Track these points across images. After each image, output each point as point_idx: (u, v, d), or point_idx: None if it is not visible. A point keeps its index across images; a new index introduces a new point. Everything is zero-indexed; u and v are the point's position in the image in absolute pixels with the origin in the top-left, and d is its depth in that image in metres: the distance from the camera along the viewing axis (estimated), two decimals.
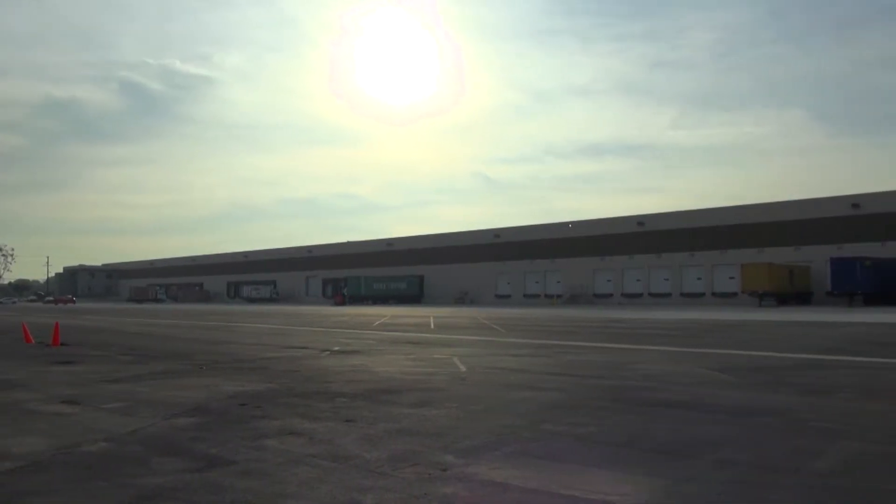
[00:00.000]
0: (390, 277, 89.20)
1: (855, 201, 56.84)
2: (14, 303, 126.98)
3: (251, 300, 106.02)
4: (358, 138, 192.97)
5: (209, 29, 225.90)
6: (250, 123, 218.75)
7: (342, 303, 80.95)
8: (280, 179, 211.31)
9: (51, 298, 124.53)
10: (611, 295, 71.71)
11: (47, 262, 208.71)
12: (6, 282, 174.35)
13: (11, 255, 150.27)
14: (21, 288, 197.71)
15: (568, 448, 6.68)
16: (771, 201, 62.26)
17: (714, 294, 63.78)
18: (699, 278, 65.77)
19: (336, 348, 18.57)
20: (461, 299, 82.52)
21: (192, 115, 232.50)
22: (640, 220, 70.20)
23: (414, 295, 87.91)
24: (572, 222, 77.05)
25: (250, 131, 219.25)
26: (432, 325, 31.11)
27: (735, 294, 58.86)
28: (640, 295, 69.48)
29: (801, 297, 54.88)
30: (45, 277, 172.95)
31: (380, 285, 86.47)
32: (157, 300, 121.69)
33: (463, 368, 13.40)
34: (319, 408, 8.88)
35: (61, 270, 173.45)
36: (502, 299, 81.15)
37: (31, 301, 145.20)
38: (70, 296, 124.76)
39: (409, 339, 22.16)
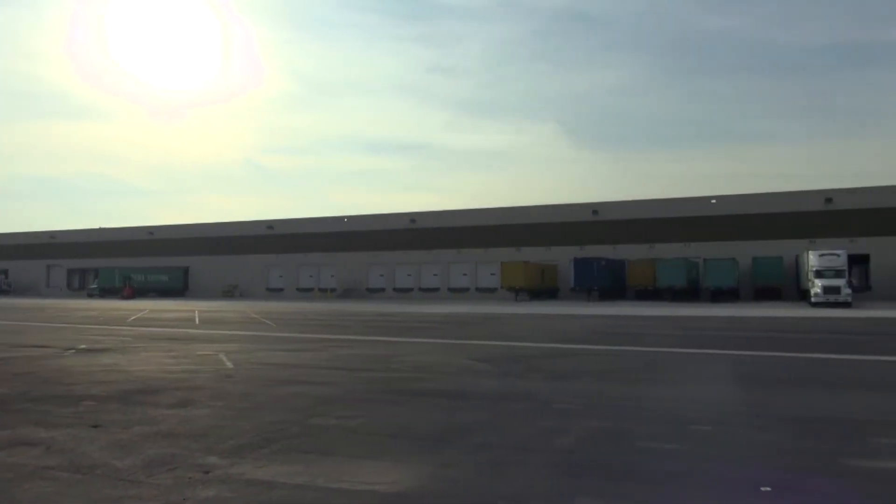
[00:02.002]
0: (151, 269, 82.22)
1: (595, 208, 65.07)
2: None
3: None
4: (111, 115, 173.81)
5: None
6: None
7: (132, 296, 72.11)
8: (12, 154, 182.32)
9: None
10: (383, 289, 73.53)
11: None
12: None
13: None
14: None
15: (338, 441, 6.71)
16: (527, 205, 68.80)
17: (478, 289, 68.51)
18: (465, 274, 70.19)
19: (83, 346, 16.64)
20: (230, 292, 78.81)
21: None
22: (413, 217, 72.97)
23: (178, 288, 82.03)
24: (348, 216, 77.62)
25: None
26: (197, 320, 29.27)
27: (496, 289, 63.92)
28: (411, 290, 72.24)
29: (550, 293, 61.51)
30: None
31: (138, 276, 79.22)
32: None
33: (230, 365, 12.81)
34: (60, 413, 7.90)
35: None
36: (274, 293, 79.06)
37: None
38: None
39: (170, 335, 20.59)
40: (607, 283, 54.99)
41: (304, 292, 77.60)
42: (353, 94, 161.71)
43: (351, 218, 77.75)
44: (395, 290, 73.24)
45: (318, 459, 5.97)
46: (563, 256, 62.56)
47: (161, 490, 4.95)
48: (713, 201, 58.89)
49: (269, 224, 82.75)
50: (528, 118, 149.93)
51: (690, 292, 50.72)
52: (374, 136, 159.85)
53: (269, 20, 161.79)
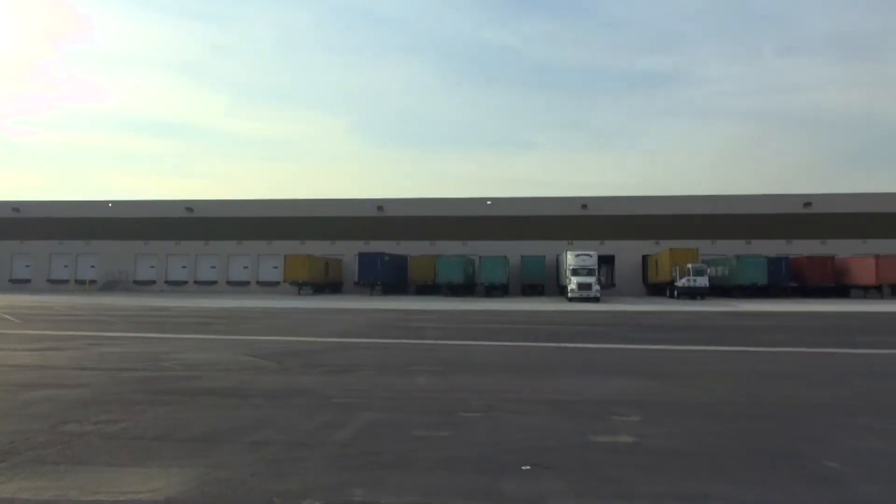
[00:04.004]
0: None
1: (380, 205, 66.26)
2: None
3: None
4: None
5: None
6: None
7: None
8: None
9: None
10: (154, 282, 67.94)
11: None
12: None
13: None
14: None
15: (94, 449, 6.11)
16: (313, 198, 67.95)
17: (259, 283, 66.13)
18: (245, 267, 67.33)
19: None
20: None
21: None
22: (189, 205, 68.37)
23: None
24: (113, 201, 70.48)
25: None
26: None
27: (278, 283, 62.20)
28: (186, 282, 67.63)
29: (334, 287, 61.41)
30: None
31: None
32: None
33: None
34: None
35: None
36: (20, 284, 69.21)
37: None
38: None
39: None
40: (391, 277, 56.28)
41: (58, 284, 69.05)
42: (122, 67, 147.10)
43: (117, 203, 70.73)
44: (167, 282, 68.08)
45: (70, 470, 5.39)
46: (348, 251, 62.82)
47: None
48: (489, 203, 63.02)
49: (15, 206, 72.26)
50: (317, 110, 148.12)
51: (467, 287, 53.79)
52: (147, 114, 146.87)
53: None
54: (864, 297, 49.82)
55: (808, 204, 58.63)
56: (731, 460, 5.92)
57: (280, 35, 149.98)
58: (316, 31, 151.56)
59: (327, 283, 59.66)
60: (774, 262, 50.18)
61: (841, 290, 50.96)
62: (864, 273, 49.90)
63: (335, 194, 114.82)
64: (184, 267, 68.92)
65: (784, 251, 55.67)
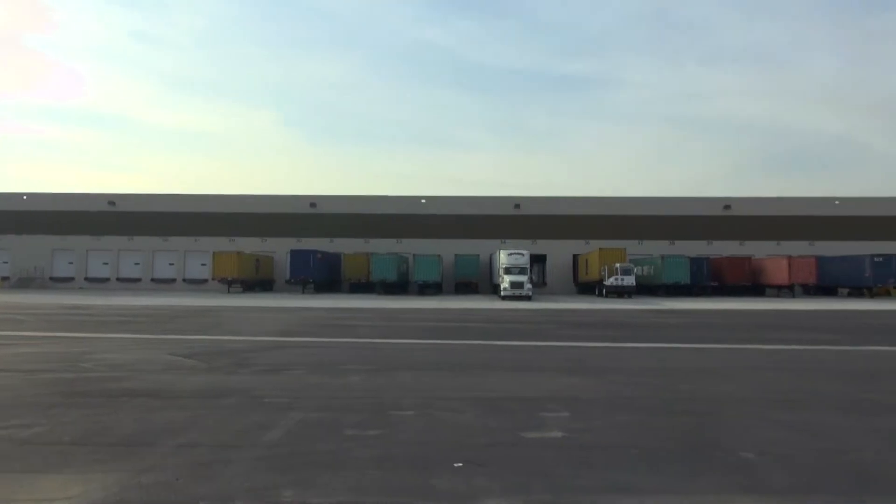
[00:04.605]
0: None
1: (313, 201, 65.26)
2: None
3: None
4: None
5: None
6: None
7: None
8: None
9: None
10: (72, 279, 64.86)
11: None
12: None
13: None
14: None
15: (6, 455, 5.81)
16: (243, 193, 66.37)
17: (186, 280, 64.06)
18: (171, 264, 65.10)
19: None
20: None
21: None
22: (112, 199, 65.56)
23: None
24: (27, 194, 66.86)
25: None
26: None
27: (206, 281, 60.43)
28: (108, 280, 64.86)
29: (265, 285, 60.11)
30: None
31: None
32: None
33: None
34: None
35: None
36: None
37: None
38: None
39: None
40: (323, 275, 55.58)
41: None
42: (33, 49, 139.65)
43: (32, 196, 67.15)
44: (87, 279, 65.14)
45: None
46: (279, 248, 61.66)
47: None
48: (423, 201, 63.09)
49: None
50: (247, 103, 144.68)
51: (401, 286, 53.69)
52: (65, 103, 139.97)
53: None
54: (778, 295, 52.46)
55: (727, 207, 61.26)
56: (656, 453, 6.15)
57: (207, 24, 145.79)
58: (245, 22, 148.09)
59: (258, 281, 58.38)
60: (696, 262, 52.23)
61: (757, 289, 53.51)
62: (778, 273, 52.58)
63: (266, 190, 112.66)
64: (105, 263, 66.09)
65: (705, 252, 58.00)
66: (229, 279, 54.00)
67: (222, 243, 62.01)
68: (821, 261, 51.91)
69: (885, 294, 49.17)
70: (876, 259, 48.95)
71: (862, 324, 24.02)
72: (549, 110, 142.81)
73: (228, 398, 8.60)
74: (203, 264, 62.47)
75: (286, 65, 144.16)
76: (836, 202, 60.85)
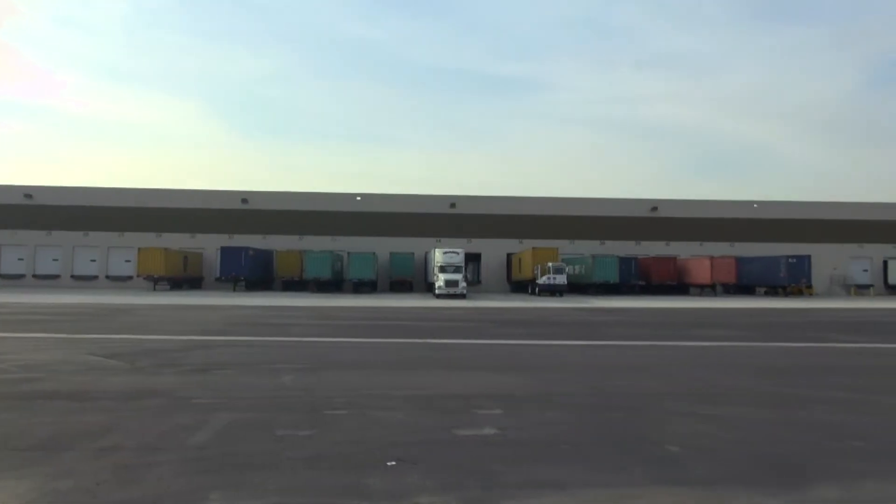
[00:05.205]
0: None
1: (245, 197, 63.74)
2: None
3: None
4: None
5: None
6: None
7: None
8: None
9: None
10: None
11: None
12: None
13: None
14: None
15: None
16: (171, 188, 64.08)
17: (109, 277, 61.44)
18: (93, 260, 62.27)
19: None
20: None
21: None
22: (28, 191, 62.25)
23: None
24: None
25: None
26: None
27: (131, 277, 58.13)
28: (23, 276, 61.55)
29: (194, 282, 58.33)
30: None
31: None
32: None
33: None
34: None
35: None
36: None
37: None
38: None
39: None
40: (255, 273, 54.41)
41: None
42: None
43: None
44: (0, 276, 61.62)
45: None
46: (210, 244, 59.96)
47: None
48: (358, 198, 62.57)
49: None
50: (173, 94, 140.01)
51: (335, 283, 53.12)
52: None
53: None
54: (701, 294, 54.63)
55: (654, 208, 63.29)
56: (586, 448, 6.29)
57: (135, 12, 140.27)
58: (175, 12, 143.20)
59: (186, 279, 56.61)
60: (625, 262, 53.81)
61: (681, 287, 55.56)
62: (701, 273, 54.78)
63: (196, 184, 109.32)
64: (20, 259, 62.70)
65: (633, 252, 59.78)
66: (155, 276, 52.19)
67: (149, 239, 59.83)
68: (740, 261, 54.43)
69: (798, 293, 51.93)
70: (790, 260, 51.76)
71: (777, 321, 25.27)
72: (484, 110, 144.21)
73: (153, 399, 8.30)
74: (128, 261, 60.09)
75: (217, 56, 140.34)
76: (755, 205, 63.77)
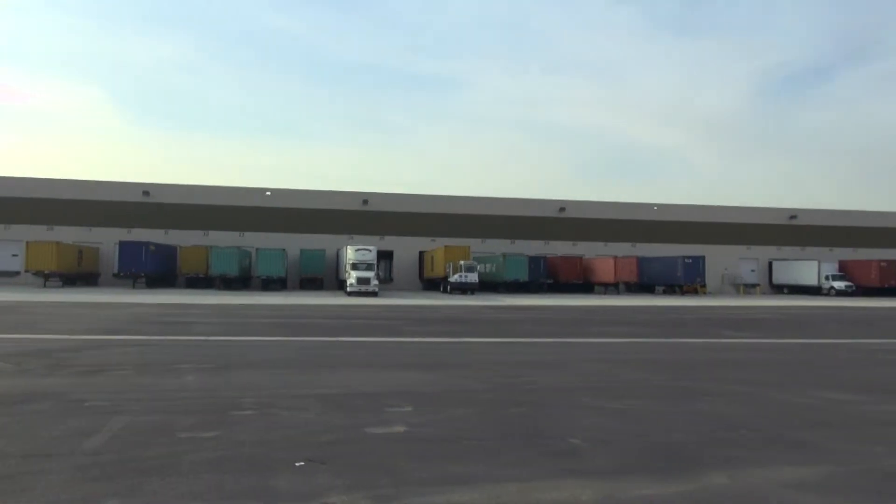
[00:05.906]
0: None
1: (146, 189, 60.83)
2: None
3: None
4: None
5: None
6: None
7: None
8: None
9: None
10: None
11: None
12: None
13: None
14: None
15: None
16: (64, 178, 60.18)
17: None
18: None
19: None
20: None
21: None
22: None
23: None
24: None
25: None
26: None
27: (18, 273, 54.30)
28: None
29: (89, 278, 55.13)
30: None
31: None
32: None
33: None
34: None
35: None
36: None
37: None
38: None
39: None
40: (157, 269, 52.06)
41: None
42: None
43: None
44: None
45: None
46: (108, 238, 56.85)
47: None
48: (268, 193, 61.02)
49: None
50: (66, 79, 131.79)
51: (243, 281, 51.62)
52: None
53: None
54: (605, 292, 56.80)
55: (562, 209, 65.17)
56: (492, 443, 6.42)
57: None
58: None
59: (80, 275, 53.38)
60: (534, 261, 55.15)
61: (587, 286, 57.54)
62: (605, 272, 56.97)
63: (92, 175, 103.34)
64: None
65: (542, 251, 61.34)
66: (46, 272, 48.96)
67: (39, 232, 56.06)
68: (641, 261, 56.99)
69: (693, 291, 54.90)
70: (686, 261, 54.73)
71: (675, 318, 26.63)
72: (402, 108, 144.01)
73: (42, 403, 7.81)
74: (15, 255, 56.06)
75: (119, 41, 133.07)
76: (655, 208, 66.84)
